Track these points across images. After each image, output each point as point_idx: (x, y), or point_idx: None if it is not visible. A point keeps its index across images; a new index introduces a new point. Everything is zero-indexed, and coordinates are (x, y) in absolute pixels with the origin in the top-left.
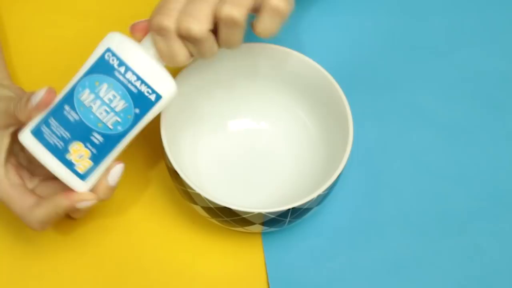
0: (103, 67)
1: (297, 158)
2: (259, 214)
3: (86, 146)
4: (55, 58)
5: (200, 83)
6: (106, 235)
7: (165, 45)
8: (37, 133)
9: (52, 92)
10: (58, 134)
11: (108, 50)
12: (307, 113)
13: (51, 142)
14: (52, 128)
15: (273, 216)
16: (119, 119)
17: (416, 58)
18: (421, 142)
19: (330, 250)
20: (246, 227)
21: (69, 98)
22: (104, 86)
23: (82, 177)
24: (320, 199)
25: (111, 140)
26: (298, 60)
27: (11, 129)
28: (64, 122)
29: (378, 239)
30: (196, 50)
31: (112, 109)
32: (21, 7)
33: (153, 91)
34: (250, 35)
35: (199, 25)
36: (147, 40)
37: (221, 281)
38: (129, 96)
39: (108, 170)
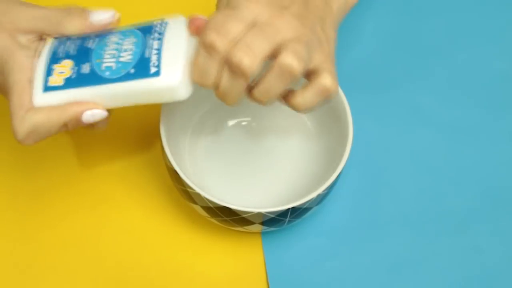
0: (146, 28)
1: (297, 158)
2: (259, 214)
3: (72, 68)
4: None
5: None
6: (105, 235)
7: (204, 63)
8: (59, 39)
9: (115, 18)
10: (69, 47)
11: (164, 22)
12: (307, 113)
13: (58, 49)
14: (71, 42)
15: (272, 216)
16: (113, 66)
17: (416, 58)
18: (421, 142)
19: (330, 250)
20: (245, 227)
21: (103, 34)
22: (132, 39)
23: (46, 88)
24: (320, 199)
25: (92, 79)
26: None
27: (37, 35)
28: (82, 43)
29: (377, 239)
30: (228, 88)
31: (118, 57)
32: None
33: (158, 67)
34: None
35: (251, 60)
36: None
37: (220, 280)
38: (138, 56)
39: (88, 105)
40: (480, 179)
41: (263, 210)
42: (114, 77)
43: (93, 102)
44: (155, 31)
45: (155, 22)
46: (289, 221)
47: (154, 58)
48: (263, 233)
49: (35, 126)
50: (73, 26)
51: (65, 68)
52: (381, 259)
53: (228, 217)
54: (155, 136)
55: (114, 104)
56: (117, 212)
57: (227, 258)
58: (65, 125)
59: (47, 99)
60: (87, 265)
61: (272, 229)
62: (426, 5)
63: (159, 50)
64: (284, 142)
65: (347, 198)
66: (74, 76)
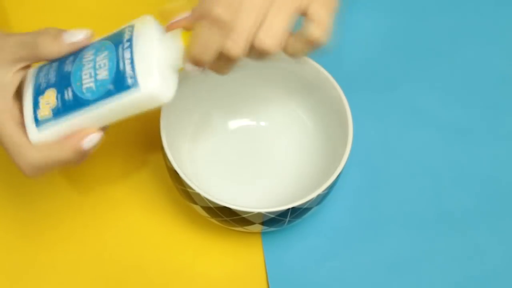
0: (116, 38)
1: (297, 158)
2: (259, 214)
3: (56, 97)
4: None
5: (200, 82)
6: (105, 235)
7: (207, 38)
8: (39, 68)
9: (89, 37)
10: (49, 75)
11: (131, 26)
12: (307, 113)
13: (40, 79)
14: (50, 68)
15: (272, 216)
16: (93, 87)
17: (416, 58)
18: (421, 142)
19: (330, 250)
20: (245, 227)
21: (77, 53)
22: (105, 53)
23: (38, 123)
24: (320, 199)
25: (77, 103)
26: (298, 60)
27: (22, 64)
28: (60, 68)
29: (377, 239)
30: (225, 64)
31: (95, 75)
32: (21, 7)
33: (134, 78)
34: None
35: (274, 43)
36: (175, 38)
37: (220, 280)
38: (114, 70)
39: (84, 133)
40: (480, 179)
41: (263, 210)
42: (96, 97)
43: (86, 128)
44: (125, 39)
45: (124, 29)
46: (289, 221)
47: (128, 69)
48: (263, 233)
49: (39, 165)
50: (48, 48)
51: (50, 98)
52: (381, 259)
53: (228, 217)
54: (155, 137)
55: (104, 123)
56: (117, 212)
57: (227, 258)
58: (69, 161)
59: (42, 133)
60: (87, 265)
61: (272, 229)
62: (426, 5)
63: (131, 59)
64: (284, 142)
65: (347, 198)
66: (59, 105)
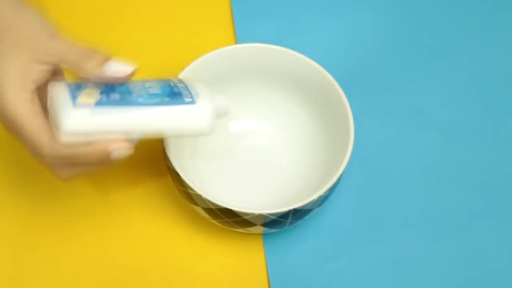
0: (163, 80)
1: (298, 159)
2: (260, 215)
3: (100, 93)
4: None
5: None
6: (106, 236)
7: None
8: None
9: (132, 74)
10: (89, 84)
11: (177, 79)
12: (308, 114)
13: (78, 85)
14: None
15: (274, 217)
16: (145, 95)
17: (416, 58)
18: (422, 143)
19: (331, 251)
20: (247, 228)
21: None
22: (153, 82)
23: (75, 104)
24: (321, 200)
25: (124, 101)
26: (298, 61)
27: (51, 68)
28: (101, 85)
29: (379, 240)
30: None
31: (146, 89)
32: None
33: (192, 98)
34: (249, 36)
35: None
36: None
37: (222, 282)
38: (168, 90)
39: (115, 139)
40: (480, 179)
41: (264, 212)
42: (147, 102)
43: (119, 136)
44: (176, 81)
45: (171, 79)
46: (291, 223)
47: (185, 93)
48: (264, 235)
49: (61, 156)
50: (88, 74)
51: (92, 93)
52: (382, 260)
53: (229, 218)
54: (156, 138)
55: (144, 131)
56: (118, 213)
57: (228, 260)
58: (92, 164)
59: (75, 121)
60: (87, 267)
61: (273, 230)
62: (426, 5)
63: (186, 88)
64: (284, 143)
65: (348, 200)
66: (104, 99)
